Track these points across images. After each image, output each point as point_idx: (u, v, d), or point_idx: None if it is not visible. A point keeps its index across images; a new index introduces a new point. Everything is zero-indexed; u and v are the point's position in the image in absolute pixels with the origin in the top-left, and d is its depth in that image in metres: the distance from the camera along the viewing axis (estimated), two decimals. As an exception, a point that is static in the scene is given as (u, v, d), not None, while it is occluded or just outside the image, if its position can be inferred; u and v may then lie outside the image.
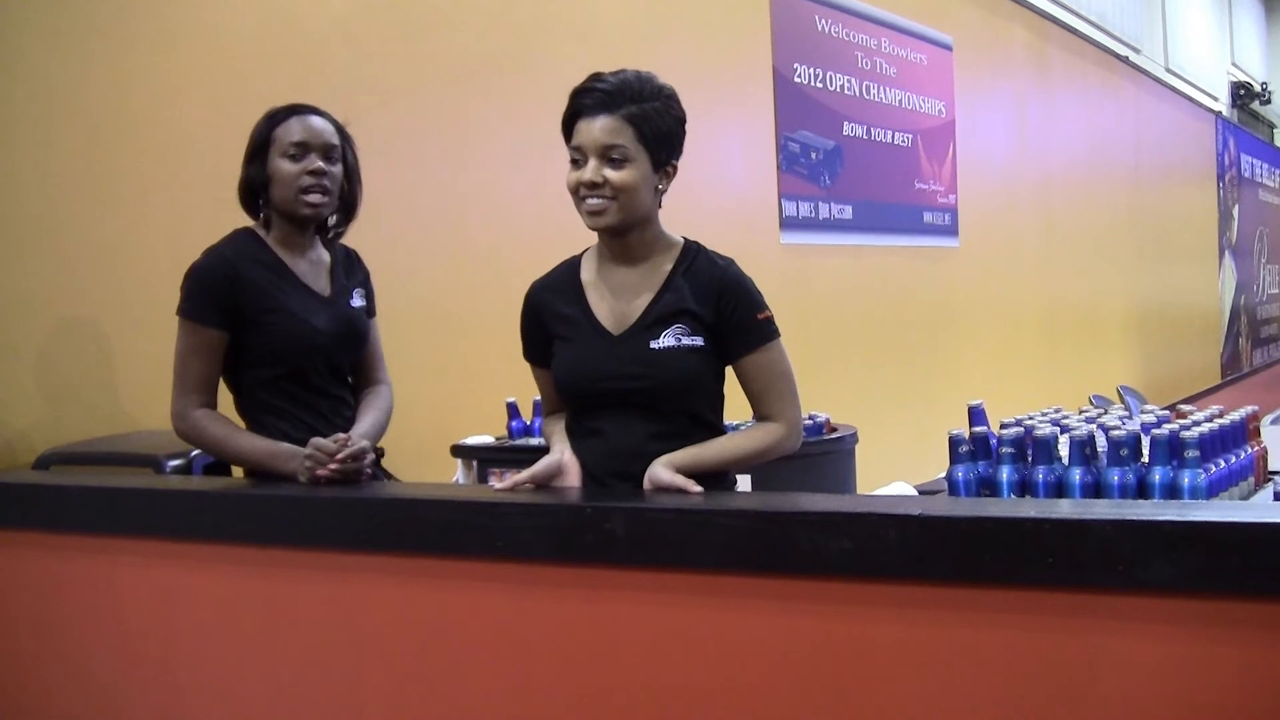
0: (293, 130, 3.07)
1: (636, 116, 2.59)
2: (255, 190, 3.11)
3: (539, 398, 2.98)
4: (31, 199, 3.77)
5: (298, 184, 3.05)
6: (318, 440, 2.87)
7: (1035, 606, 1.94)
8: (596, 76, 2.63)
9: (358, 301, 3.22)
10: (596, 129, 2.58)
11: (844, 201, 8.16)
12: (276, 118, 3.10)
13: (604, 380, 2.67)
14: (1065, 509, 2.14)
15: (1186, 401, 11.98)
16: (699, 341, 2.65)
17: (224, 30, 4.37)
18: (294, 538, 2.74)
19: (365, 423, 3.10)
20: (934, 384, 8.96)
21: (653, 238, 2.73)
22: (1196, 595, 1.83)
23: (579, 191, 2.62)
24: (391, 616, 2.59)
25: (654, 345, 2.64)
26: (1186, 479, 2.63)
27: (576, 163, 2.63)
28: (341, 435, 2.89)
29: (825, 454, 4.18)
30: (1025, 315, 10.75)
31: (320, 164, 3.07)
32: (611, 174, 2.58)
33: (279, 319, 3.04)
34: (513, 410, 4.60)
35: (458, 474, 4.56)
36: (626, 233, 2.67)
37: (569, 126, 2.64)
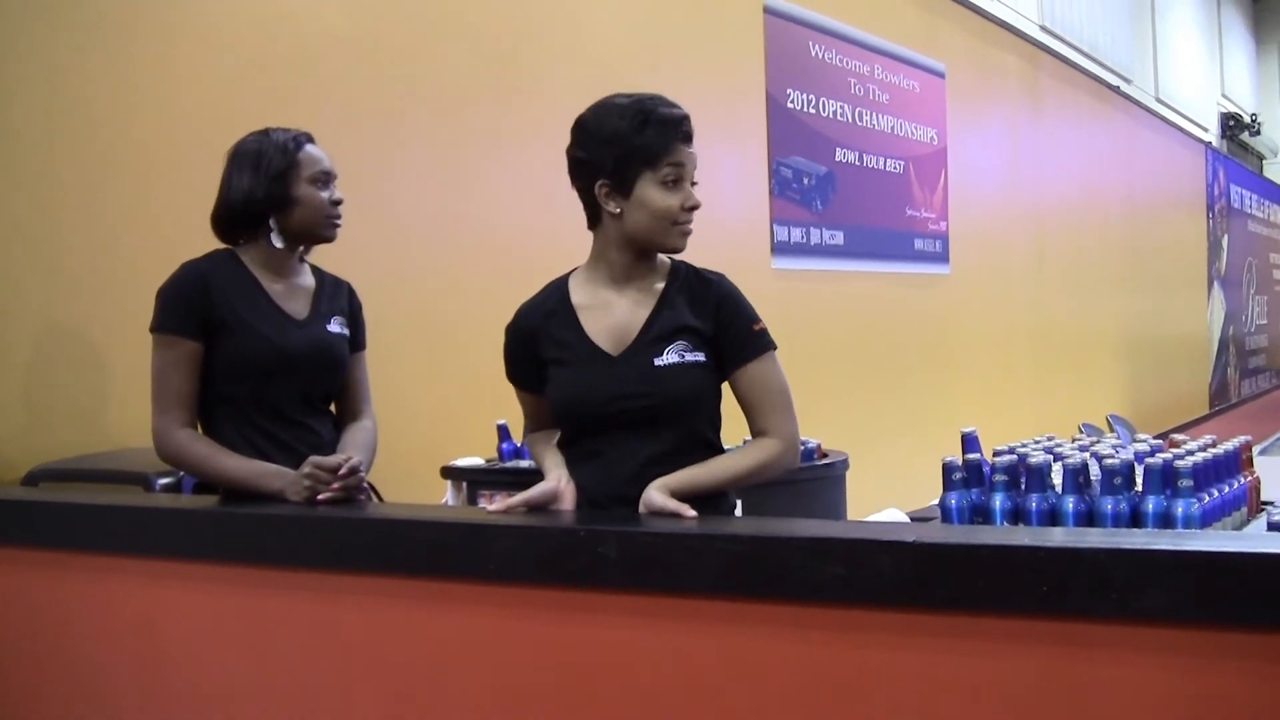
0: (317, 158, 3.11)
1: None
2: (263, 210, 3.08)
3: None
4: (21, 212, 3.76)
5: (325, 211, 3.10)
6: (318, 459, 2.85)
7: (1029, 635, 1.94)
8: (672, 103, 2.69)
9: (335, 328, 3.18)
10: (694, 155, 2.66)
11: (835, 227, 8.18)
12: (298, 140, 3.11)
13: (606, 402, 2.65)
14: (1059, 537, 2.13)
15: (1176, 430, 12.00)
16: (701, 357, 2.65)
17: (223, 46, 4.37)
18: (284, 557, 2.73)
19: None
20: (924, 410, 8.97)
21: (654, 257, 2.76)
22: (1190, 625, 1.82)
23: (678, 216, 2.64)
24: (381, 637, 2.58)
25: (658, 363, 2.63)
26: (1180, 508, 2.63)
27: (673, 184, 2.64)
28: (340, 455, 2.89)
29: (816, 480, 4.18)
30: (1015, 342, 10.76)
31: (338, 194, 3.13)
32: (698, 198, 2.66)
33: (244, 333, 3.01)
34: (503, 432, 4.59)
35: (447, 495, 4.54)
36: (651, 252, 2.72)
37: (667, 147, 2.64)
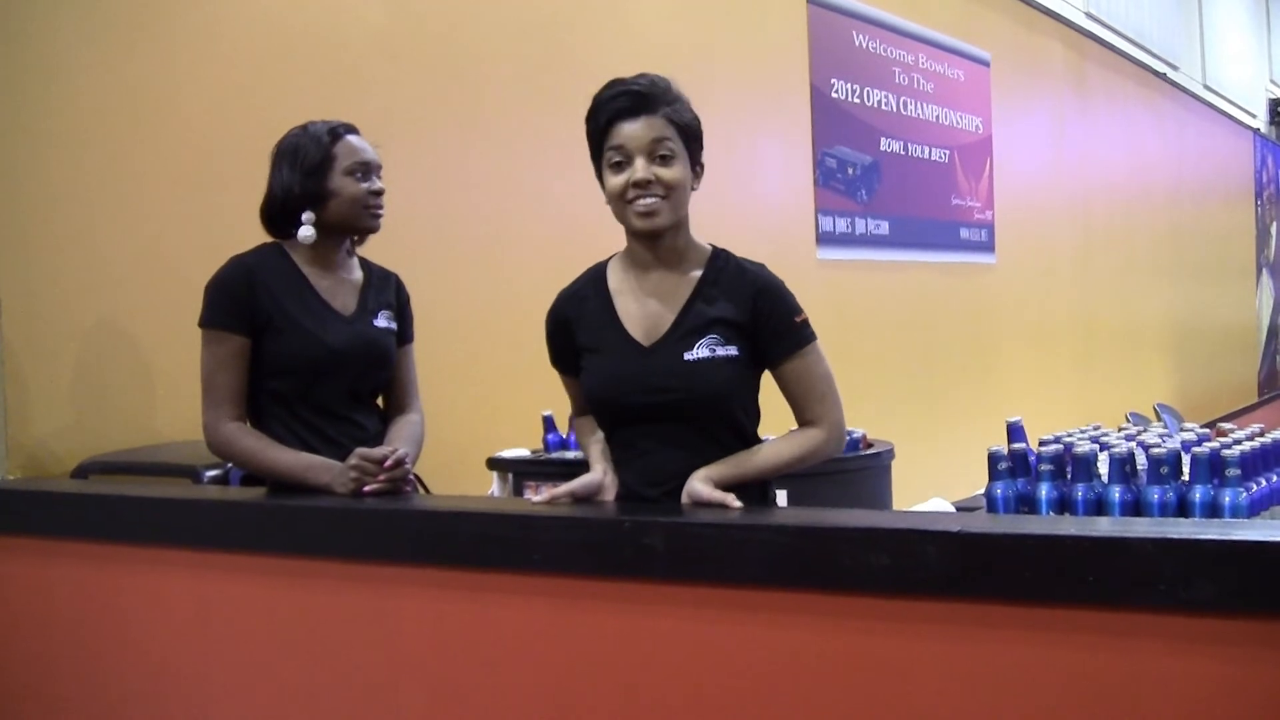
0: (355, 149, 3.11)
1: (672, 115, 2.61)
2: (300, 204, 3.10)
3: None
4: (66, 208, 3.78)
5: (365, 202, 3.10)
6: (364, 450, 2.86)
7: (1075, 625, 1.93)
8: (619, 81, 2.64)
9: (383, 323, 3.19)
10: (641, 127, 2.58)
11: (881, 217, 8.14)
12: (335, 133, 3.12)
13: (636, 394, 2.64)
14: (1105, 527, 2.12)
15: (1224, 419, 11.92)
16: (734, 351, 2.62)
17: (263, 42, 4.39)
18: (332, 549, 2.75)
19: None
20: (970, 400, 8.93)
21: (685, 243, 2.71)
22: (1238, 615, 1.82)
23: (626, 194, 2.59)
24: (429, 629, 2.60)
25: (688, 357, 2.61)
26: (1227, 498, 2.61)
27: (618, 166, 2.61)
28: (385, 447, 2.90)
29: (862, 470, 4.16)
30: (1062, 332, 10.70)
31: (380, 184, 3.13)
32: (662, 171, 2.58)
33: (291, 330, 3.03)
34: (549, 423, 4.59)
35: (493, 487, 4.55)
36: (664, 236, 2.65)
37: (604, 132, 2.63)
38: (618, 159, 2.61)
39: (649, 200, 2.58)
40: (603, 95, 2.64)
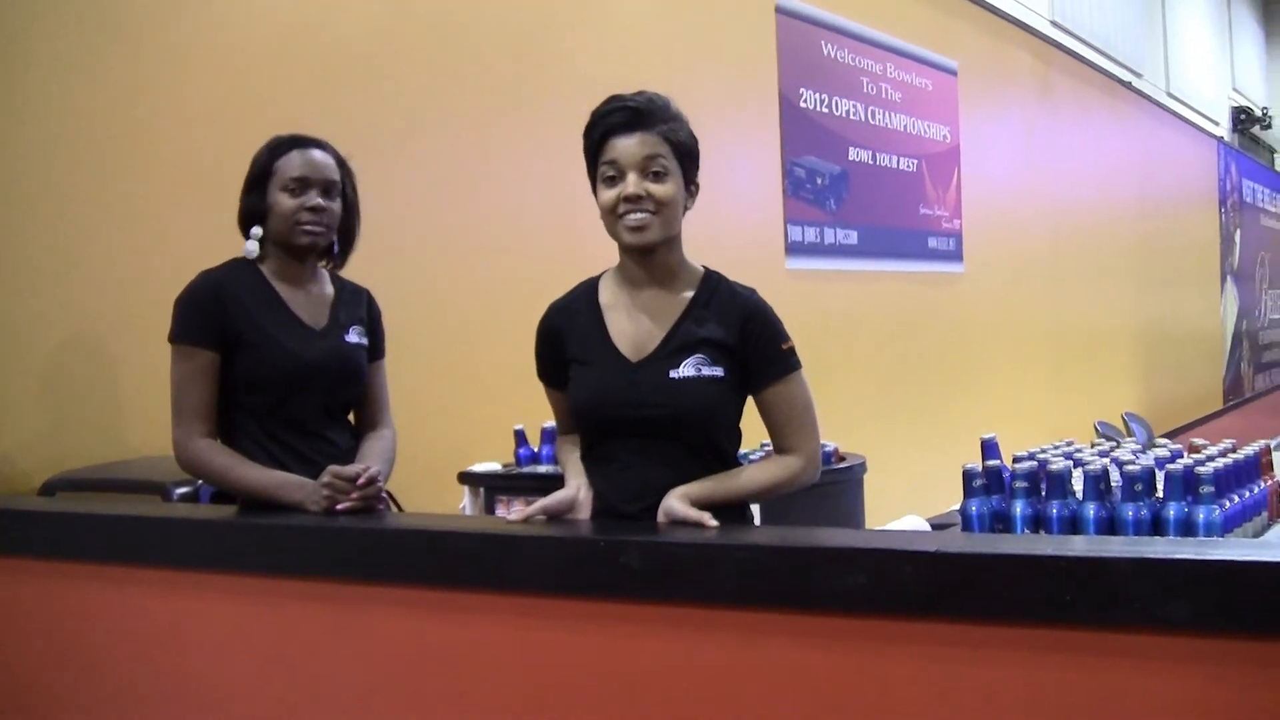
0: (294, 164, 3.07)
1: (667, 133, 2.61)
2: (253, 220, 3.10)
3: (549, 424, 2.96)
4: (37, 220, 3.76)
5: (294, 218, 3.05)
6: (337, 468, 2.84)
7: (1052, 645, 1.93)
8: (618, 97, 2.64)
9: (354, 338, 3.17)
10: (634, 143, 2.59)
11: (849, 226, 8.17)
12: (279, 149, 3.09)
13: (621, 408, 2.64)
14: (1082, 546, 2.12)
15: (1190, 426, 11.99)
16: (719, 372, 2.62)
17: (240, 51, 4.38)
18: (304, 568, 2.73)
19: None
20: (940, 409, 8.96)
21: (677, 261, 2.71)
22: (1215, 635, 1.82)
23: (617, 208, 2.60)
24: (402, 648, 2.58)
25: (673, 375, 2.61)
26: (1201, 515, 2.62)
27: (612, 180, 2.61)
28: (358, 465, 2.88)
29: (834, 483, 4.17)
30: (1031, 340, 10.74)
31: (319, 200, 3.07)
32: (654, 187, 2.59)
33: (263, 344, 3.01)
34: (520, 438, 4.58)
35: (464, 501, 4.54)
36: (655, 252, 2.65)
37: (599, 147, 2.63)
38: (611, 173, 2.61)
39: (639, 215, 2.59)
40: (600, 110, 2.65)
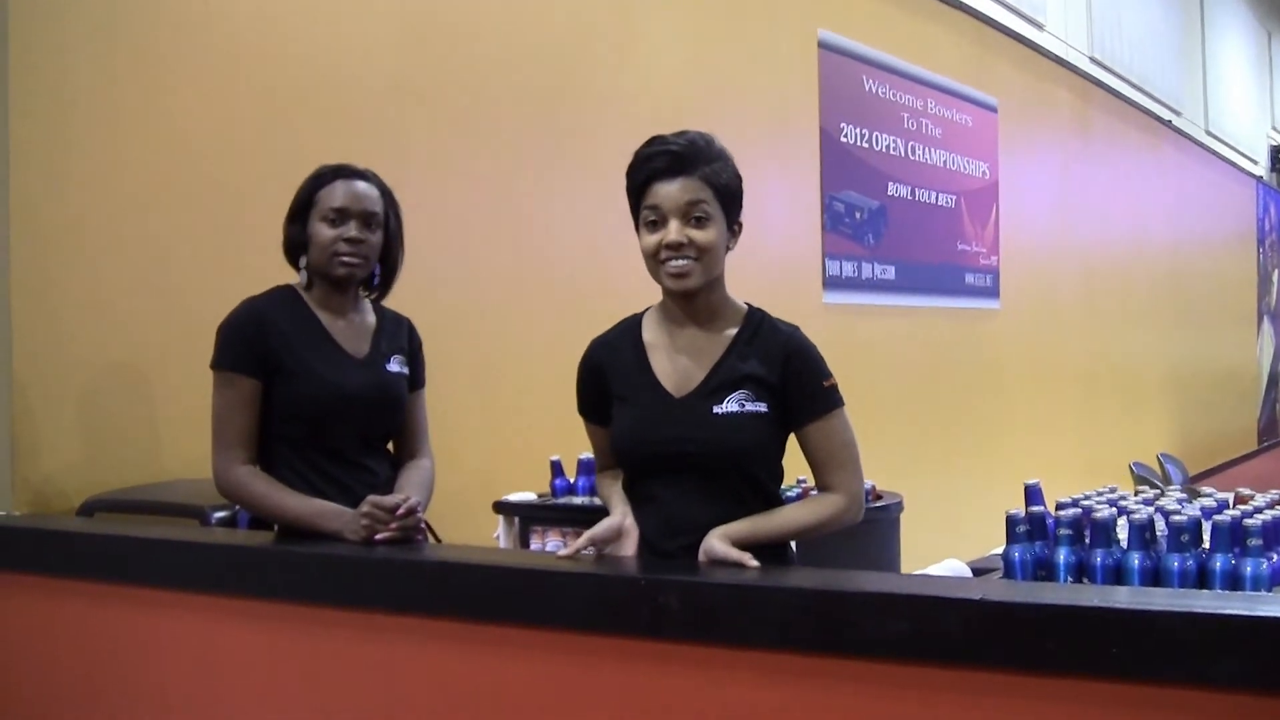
0: (335, 195, 3.06)
1: (710, 176, 2.59)
2: (296, 249, 3.11)
3: (585, 455, 2.95)
4: (76, 245, 3.78)
5: (332, 249, 3.04)
6: (376, 498, 2.84)
7: (1096, 697, 1.92)
8: (660, 139, 2.63)
9: (395, 367, 3.17)
10: (676, 189, 2.57)
11: (887, 262, 8.15)
12: (322, 179, 3.10)
13: (663, 444, 2.63)
14: (1126, 598, 2.10)
15: (1224, 467, 11.91)
16: (763, 408, 2.61)
17: (277, 87, 4.39)
18: (339, 597, 2.72)
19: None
20: (974, 447, 8.92)
21: (719, 300, 2.70)
22: (1263, 692, 1.80)
23: (659, 254, 2.59)
24: (437, 681, 2.57)
25: (716, 410, 2.60)
26: (1249, 568, 2.58)
27: (653, 225, 2.60)
28: (398, 495, 2.88)
29: (872, 522, 4.11)
30: (1066, 378, 10.70)
31: (356, 232, 3.06)
32: (696, 234, 2.57)
33: (303, 373, 3.01)
34: (556, 468, 4.57)
35: (499, 530, 4.54)
36: (698, 294, 2.64)
37: (642, 190, 2.62)
38: (653, 218, 2.60)
39: (681, 262, 2.58)
40: (642, 152, 2.63)
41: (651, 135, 2.66)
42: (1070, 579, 2.77)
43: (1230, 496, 3.20)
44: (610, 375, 2.75)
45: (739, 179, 2.67)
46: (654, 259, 2.61)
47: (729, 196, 2.63)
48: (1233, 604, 1.90)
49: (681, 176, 2.57)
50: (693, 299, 2.66)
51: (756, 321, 2.71)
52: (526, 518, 4.46)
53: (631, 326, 2.79)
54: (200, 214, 4.11)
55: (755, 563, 2.44)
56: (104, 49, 3.88)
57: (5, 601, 3.25)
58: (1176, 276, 13.88)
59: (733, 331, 2.69)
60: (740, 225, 2.69)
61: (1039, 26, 10.74)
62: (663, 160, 2.59)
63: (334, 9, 4.66)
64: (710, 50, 6.67)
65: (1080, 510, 2.90)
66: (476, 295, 5.15)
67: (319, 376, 3.02)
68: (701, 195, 2.58)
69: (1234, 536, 2.64)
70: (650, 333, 2.75)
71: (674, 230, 2.57)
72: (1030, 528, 2.89)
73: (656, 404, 2.66)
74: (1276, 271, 18.38)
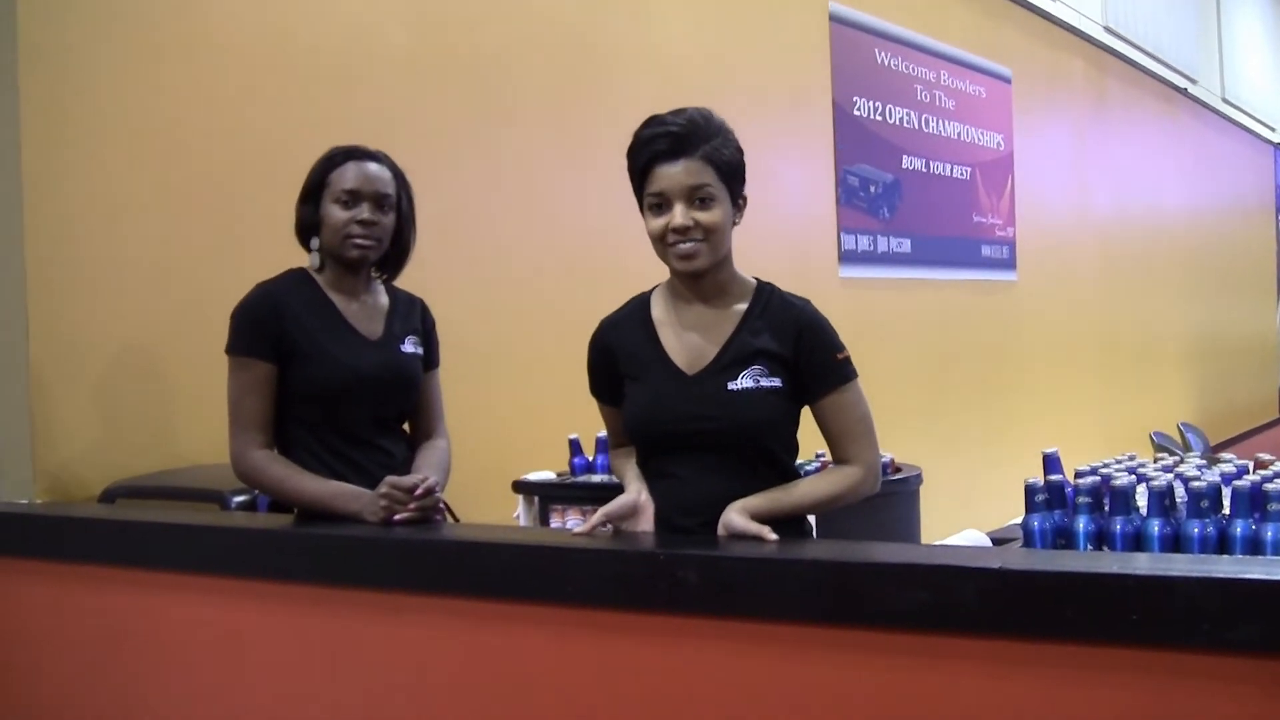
0: (347, 176, 3.06)
1: (711, 154, 2.57)
2: (308, 231, 3.12)
3: (603, 434, 2.94)
4: (91, 233, 3.78)
5: (344, 231, 3.05)
6: (394, 479, 2.85)
7: (1117, 664, 1.91)
8: (658, 120, 2.61)
9: (409, 348, 3.17)
10: (680, 172, 2.56)
11: (903, 235, 8.13)
12: (334, 160, 3.10)
13: (678, 422, 2.63)
14: (1146, 564, 2.09)
15: (1245, 436, 11.88)
16: (777, 383, 2.60)
17: (288, 67, 4.38)
18: (361, 578, 2.73)
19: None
20: (993, 419, 8.90)
21: (728, 277, 2.70)
22: (1284, 656, 1.80)
23: (666, 238, 2.58)
24: (459, 660, 2.58)
25: (731, 386, 2.59)
26: (1270, 533, 2.57)
27: (658, 208, 2.59)
28: (416, 475, 2.89)
29: (890, 495, 4.13)
30: (1084, 349, 10.66)
31: (368, 214, 3.06)
32: (701, 215, 2.56)
33: (318, 355, 3.01)
34: (575, 447, 4.58)
35: (518, 510, 4.54)
36: (707, 272, 2.64)
37: (644, 174, 2.61)
38: (657, 202, 2.59)
39: (688, 245, 2.57)
40: (642, 134, 2.61)
41: (676, 105, 2.65)
42: (1090, 547, 2.76)
43: (1250, 463, 3.18)
44: (620, 355, 2.74)
45: (740, 152, 2.65)
46: (661, 242, 2.61)
47: (731, 173, 2.61)
48: (1254, 569, 1.89)
49: (683, 158, 2.56)
50: (701, 278, 2.65)
51: (766, 296, 2.70)
52: (546, 497, 4.46)
53: (640, 305, 2.78)
54: (217, 198, 4.11)
55: (774, 535, 2.44)
56: (129, 31, 3.88)
57: (29, 589, 3.27)
58: (1195, 246, 13.82)
59: (742, 307, 2.68)
60: (745, 199, 2.68)
61: (1052, -4, 10.70)
62: (663, 142, 2.57)
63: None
64: (722, 26, 6.65)
65: (1099, 478, 2.89)
66: (493, 274, 5.15)
67: (333, 358, 3.03)
68: (704, 177, 2.56)
69: (1254, 502, 2.63)
70: (659, 310, 2.74)
71: (679, 214, 2.56)
72: (1049, 496, 2.88)
73: (670, 382, 2.66)
74: (1295, 239, 18.29)
